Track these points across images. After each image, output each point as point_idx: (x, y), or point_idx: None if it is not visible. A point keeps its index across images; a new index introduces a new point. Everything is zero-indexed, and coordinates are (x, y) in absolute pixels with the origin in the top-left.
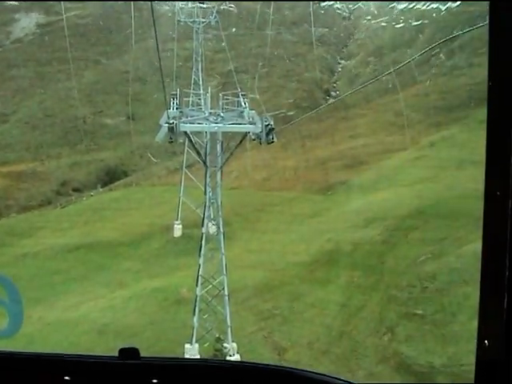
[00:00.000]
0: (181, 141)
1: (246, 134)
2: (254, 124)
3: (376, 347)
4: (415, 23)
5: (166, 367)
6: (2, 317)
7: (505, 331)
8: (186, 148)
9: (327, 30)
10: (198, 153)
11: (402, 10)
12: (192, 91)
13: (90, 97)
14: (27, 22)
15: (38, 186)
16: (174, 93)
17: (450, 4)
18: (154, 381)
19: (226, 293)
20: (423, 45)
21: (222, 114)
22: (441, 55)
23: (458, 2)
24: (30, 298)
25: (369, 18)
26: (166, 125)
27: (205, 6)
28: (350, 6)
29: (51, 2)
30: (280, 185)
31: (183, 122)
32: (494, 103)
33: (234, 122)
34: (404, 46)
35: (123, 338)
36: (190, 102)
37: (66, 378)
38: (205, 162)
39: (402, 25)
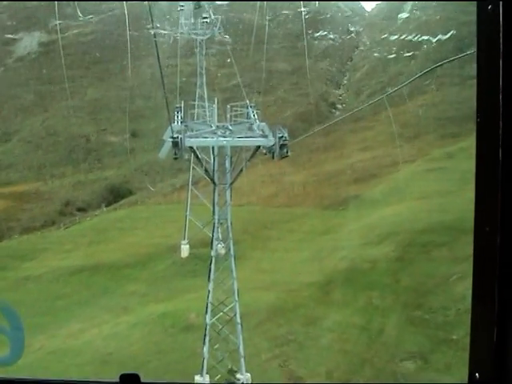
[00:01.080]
0: (186, 157)
1: (257, 149)
2: (266, 137)
3: (400, 376)
4: (407, 54)
5: None
6: (3, 344)
7: (495, 364)
8: (192, 164)
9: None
10: (206, 170)
11: (393, 40)
12: (197, 103)
13: (93, 114)
14: (29, 41)
15: (41, 207)
16: (179, 106)
17: (440, 36)
18: None
19: (239, 320)
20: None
21: (230, 127)
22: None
23: (449, 34)
24: (31, 325)
25: (361, 48)
26: (170, 140)
27: (208, 20)
28: (343, 36)
29: (53, 20)
30: (289, 201)
31: (189, 137)
32: (482, 139)
33: (244, 135)
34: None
35: (128, 368)
36: (196, 116)
37: None
38: (213, 180)
39: (394, 55)
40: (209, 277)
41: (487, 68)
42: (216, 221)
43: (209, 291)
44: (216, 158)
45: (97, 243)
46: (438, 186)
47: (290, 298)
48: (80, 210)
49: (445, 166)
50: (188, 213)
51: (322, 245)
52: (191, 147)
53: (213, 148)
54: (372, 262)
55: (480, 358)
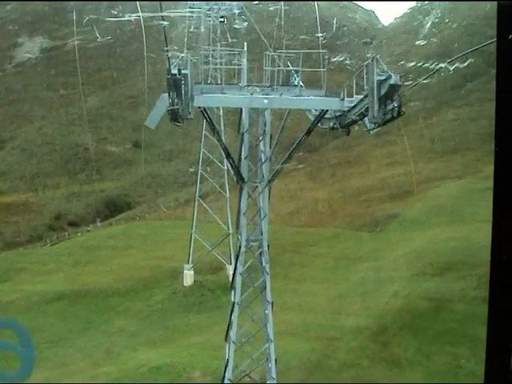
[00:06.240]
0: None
1: (321, 115)
2: (338, 95)
3: None
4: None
5: None
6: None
7: (510, 380)
8: (200, 171)
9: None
10: (228, 155)
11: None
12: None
13: (93, 123)
14: (31, 47)
15: (29, 220)
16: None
17: (457, 64)
18: None
19: None
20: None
21: (268, 85)
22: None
23: (467, 63)
24: None
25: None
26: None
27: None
28: (360, 61)
29: (56, 26)
30: (312, 219)
31: (201, 92)
32: (500, 169)
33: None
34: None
35: None
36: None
37: None
38: (239, 174)
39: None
40: (227, 334)
41: (507, 97)
42: (243, 242)
43: (227, 358)
44: (246, 137)
45: (84, 264)
46: None
47: (331, 351)
48: (72, 224)
49: None
50: (194, 230)
51: (362, 275)
52: (202, 110)
53: (240, 119)
54: (434, 301)
55: (496, 374)
